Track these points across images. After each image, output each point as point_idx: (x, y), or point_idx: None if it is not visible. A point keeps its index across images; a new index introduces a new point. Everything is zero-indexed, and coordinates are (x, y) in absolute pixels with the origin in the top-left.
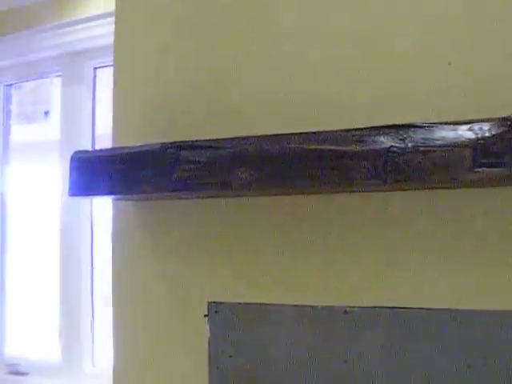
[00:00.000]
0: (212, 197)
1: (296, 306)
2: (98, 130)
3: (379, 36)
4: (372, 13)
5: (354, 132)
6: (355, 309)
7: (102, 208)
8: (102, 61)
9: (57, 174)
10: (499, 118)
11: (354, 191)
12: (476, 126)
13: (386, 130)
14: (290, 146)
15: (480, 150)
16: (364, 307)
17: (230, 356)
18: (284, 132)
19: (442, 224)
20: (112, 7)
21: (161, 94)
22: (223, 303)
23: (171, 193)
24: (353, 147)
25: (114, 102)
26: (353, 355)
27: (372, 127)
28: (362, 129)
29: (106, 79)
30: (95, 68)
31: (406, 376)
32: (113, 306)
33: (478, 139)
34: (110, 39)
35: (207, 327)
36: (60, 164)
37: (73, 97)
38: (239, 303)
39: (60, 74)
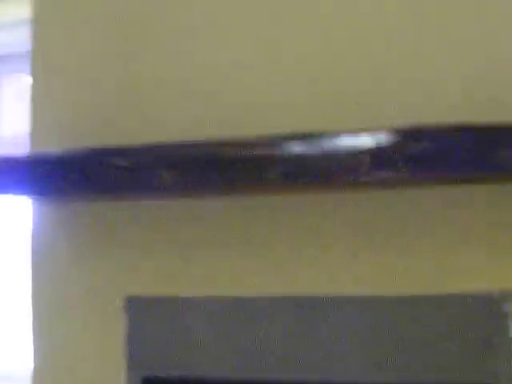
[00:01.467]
0: (133, 198)
1: (209, 297)
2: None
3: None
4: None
5: (264, 139)
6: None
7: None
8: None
9: None
10: (393, 128)
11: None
12: (373, 135)
13: (297, 137)
14: (209, 150)
15: (376, 155)
16: (272, 297)
17: (147, 346)
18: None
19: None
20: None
21: (79, 100)
22: (140, 297)
23: (96, 195)
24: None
25: (32, 107)
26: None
27: (282, 135)
28: (272, 136)
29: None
30: None
31: (313, 356)
32: (32, 305)
33: (375, 147)
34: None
35: (125, 320)
36: None
37: None
38: (155, 297)
39: None
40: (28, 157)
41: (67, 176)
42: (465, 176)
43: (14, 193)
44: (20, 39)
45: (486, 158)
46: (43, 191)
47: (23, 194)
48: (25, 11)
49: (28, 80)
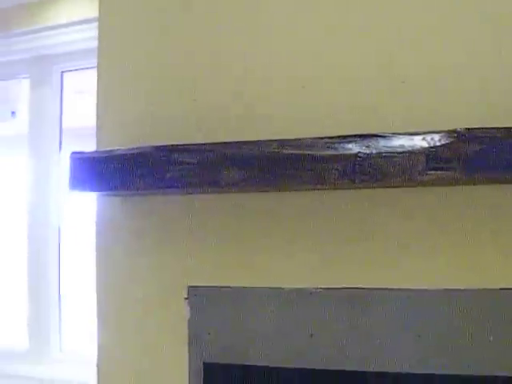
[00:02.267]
0: (199, 193)
1: (268, 288)
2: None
3: (346, 51)
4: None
5: (326, 139)
6: (319, 290)
7: (70, 202)
8: (68, 65)
9: (24, 168)
10: (448, 130)
11: (327, 189)
12: (428, 137)
13: (354, 139)
14: (271, 150)
15: (432, 156)
16: (327, 288)
17: (209, 333)
18: (262, 138)
19: (392, 216)
20: (80, 16)
21: (143, 99)
22: (202, 287)
23: (165, 190)
24: (326, 152)
25: (98, 105)
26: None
27: (341, 136)
28: (332, 137)
29: (71, 82)
30: (62, 72)
31: (363, 346)
32: (97, 294)
33: (430, 147)
34: (77, 45)
35: (188, 309)
36: (28, 159)
37: (40, 98)
38: (216, 286)
39: (28, 76)
40: (102, 153)
41: (139, 172)
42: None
43: (85, 189)
44: (83, 37)
45: None
46: (115, 187)
47: (94, 189)
48: (88, 10)
49: (90, 76)
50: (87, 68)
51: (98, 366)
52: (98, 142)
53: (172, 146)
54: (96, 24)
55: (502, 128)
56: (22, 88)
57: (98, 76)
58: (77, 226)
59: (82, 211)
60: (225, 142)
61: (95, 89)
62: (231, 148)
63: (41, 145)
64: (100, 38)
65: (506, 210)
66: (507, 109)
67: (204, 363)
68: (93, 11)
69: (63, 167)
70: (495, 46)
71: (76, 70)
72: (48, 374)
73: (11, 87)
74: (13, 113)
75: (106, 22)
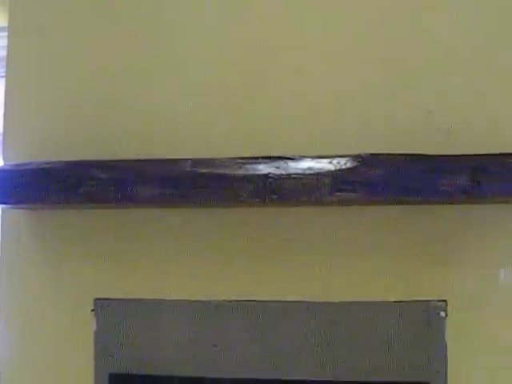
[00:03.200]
0: (108, 208)
1: (175, 300)
2: None
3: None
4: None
5: (238, 160)
6: (222, 302)
7: None
8: None
9: None
10: (353, 155)
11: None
12: (335, 160)
13: (264, 160)
14: (186, 169)
15: (338, 178)
16: (231, 301)
17: (115, 345)
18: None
19: (300, 234)
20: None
21: (53, 113)
22: (108, 299)
23: (78, 205)
24: (237, 172)
25: (5, 117)
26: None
27: (253, 157)
28: (244, 158)
29: None
30: None
31: (266, 356)
32: (1, 307)
33: (336, 170)
34: None
35: (94, 321)
36: None
37: None
38: (122, 299)
39: None
40: (15, 166)
41: (50, 186)
42: (411, 199)
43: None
44: None
45: (428, 184)
46: (27, 201)
47: (5, 202)
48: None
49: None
50: None
51: (1, 378)
52: (5, 155)
53: (87, 161)
54: (3, 33)
55: (403, 154)
56: None
57: (6, 88)
58: None
59: None
60: (140, 160)
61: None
62: (146, 166)
63: None
64: (9, 49)
65: (402, 228)
66: (410, 136)
67: (110, 374)
68: (2, 20)
69: None
70: (399, 73)
71: None
72: None
73: None
74: None
75: (16, 31)
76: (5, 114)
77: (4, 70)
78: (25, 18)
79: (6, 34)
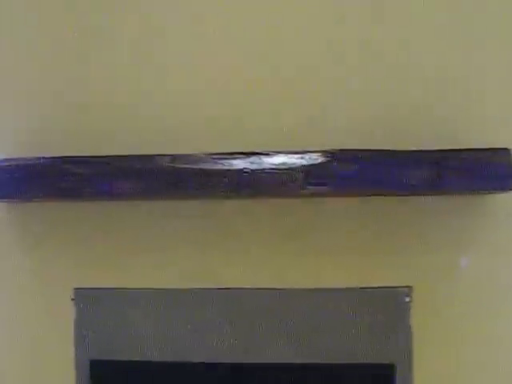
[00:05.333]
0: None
1: (147, 289)
2: None
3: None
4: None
5: (214, 155)
6: (196, 290)
7: None
8: None
9: None
10: (323, 151)
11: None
12: (307, 156)
13: (239, 155)
14: (164, 164)
15: (309, 173)
16: (204, 288)
17: (94, 332)
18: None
19: (272, 224)
20: None
21: (31, 110)
22: (87, 289)
23: (58, 199)
24: (214, 167)
25: None
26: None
27: (228, 152)
28: (220, 153)
29: None
30: None
31: (239, 340)
32: None
33: (308, 165)
34: None
35: (74, 309)
36: None
37: None
38: (101, 288)
39: None
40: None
41: (32, 181)
42: (377, 191)
43: None
44: None
45: (393, 177)
46: (8, 195)
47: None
48: None
49: None
50: None
51: None
52: None
53: (67, 157)
54: None
55: (371, 150)
56: None
57: None
58: None
59: None
60: (118, 156)
61: None
62: (125, 161)
63: None
64: None
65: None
66: (378, 133)
67: (90, 361)
68: None
69: None
70: (374, 75)
71: None
72: None
73: None
74: None
75: None
76: None
77: None
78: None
79: None
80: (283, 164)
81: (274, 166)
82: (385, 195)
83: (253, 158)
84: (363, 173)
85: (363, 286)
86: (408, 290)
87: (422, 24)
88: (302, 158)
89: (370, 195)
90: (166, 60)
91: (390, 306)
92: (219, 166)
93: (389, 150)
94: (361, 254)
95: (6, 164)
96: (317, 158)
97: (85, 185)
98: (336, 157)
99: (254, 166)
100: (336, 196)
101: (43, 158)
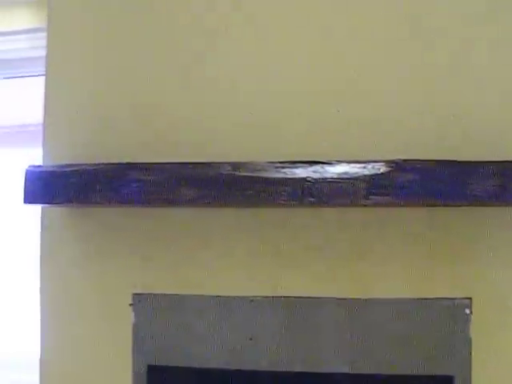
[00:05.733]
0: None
1: (206, 296)
2: None
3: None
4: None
5: (277, 164)
6: (257, 298)
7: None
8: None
9: None
10: (387, 160)
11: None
12: (370, 165)
13: (302, 164)
14: (226, 172)
15: (372, 183)
16: (265, 297)
17: (152, 337)
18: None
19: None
20: (18, 26)
21: (93, 115)
22: (146, 294)
23: (121, 205)
24: (276, 176)
25: (46, 117)
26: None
27: (291, 161)
28: (283, 162)
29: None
30: None
31: (298, 349)
32: (41, 302)
33: (371, 175)
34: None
35: (132, 315)
36: None
37: None
38: (159, 294)
39: None
40: (60, 167)
41: (98, 187)
42: (440, 202)
43: (40, 201)
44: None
45: (456, 188)
46: (71, 201)
47: (49, 202)
48: (26, 21)
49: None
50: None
51: (40, 370)
52: (45, 156)
53: (131, 163)
54: (33, 35)
55: (434, 160)
56: None
57: (46, 89)
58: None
59: (15, 217)
60: (181, 163)
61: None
62: (188, 168)
63: None
64: (48, 51)
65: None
66: (440, 143)
67: (148, 366)
68: (31, 22)
69: None
70: (433, 87)
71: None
72: None
73: None
74: None
75: (56, 31)
76: (44, 115)
77: (40, 68)
78: (64, 19)
79: (44, 34)
80: (345, 173)
81: (336, 176)
82: (447, 206)
83: (315, 167)
84: (426, 183)
85: (423, 296)
86: (468, 301)
87: (494, 37)
88: (364, 167)
89: (432, 206)
90: (232, 72)
91: (449, 318)
92: (281, 175)
93: (452, 161)
94: (420, 264)
95: (69, 169)
96: (379, 168)
97: (148, 191)
98: (399, 167)
99: (316, 175)
100: (398, 206)
101: (106, 163)
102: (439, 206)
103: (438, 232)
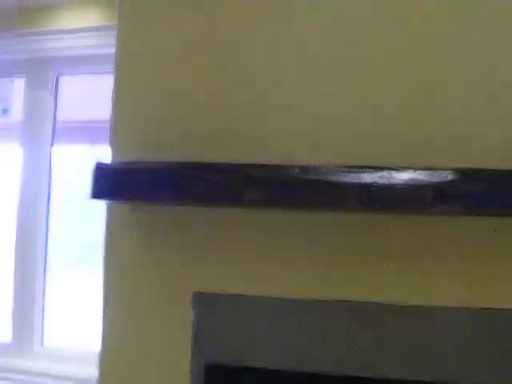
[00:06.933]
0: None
1: (267, 296)
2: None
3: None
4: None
5: (344, 168)
6: (319, 301)
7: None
8: (65, 69)
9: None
10: (454, 168)
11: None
12: (437, 173)
13: (369, 169)
14: (294, 175)
15: (439, 191)
16: (327, 300)
17: (211, 336)
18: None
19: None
20: (80, 23)
21: (160, 113)
22: (206, 293)
23: (188, 204)
24: (343, 180)
25: (114, 114)
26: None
27: (358, 166)
28: (350, 166)
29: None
30: (58, 75)
31: (356, 355)
32: (104, 296)
33: (438, 182)
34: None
35: (192, 313)
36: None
37: (35, 98)
38: (220, 293)
39: (23, 76)
40: (129, 164)
41: (165, 185)
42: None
43: (108, 197)
44: (81, 44)
45: None
46: (139, 198)
47: (117, 199)
48: (88, 19)
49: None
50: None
51: (100, 365)
52: (113, 153)
53: (197, 163)
54: (95, 32)
55: (503, 170)
56: (15, 87)
57: (116, 86)
58: (65, 222)
59: (71, 208)
60: (250, 164)
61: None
62: (256, 170)
63: (33, 140)
64: (118, 49)
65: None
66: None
67: (205, 364)
68: (93, 20)
69: (55, 162)
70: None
71: (72, 75)
72: (29, 367)
73: (3, 86)
74: (4, 110)
75: (126, 29)
76: (113, 112)
77: (108, 66)
78: (134, 17)
79: (113, 32)
80: (412, 180)
81: (402, 182)
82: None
83: (382, 173)
84: (494, 193)
85: (486, 306)
86: None
87: None
88: (431, 174)
89: (500, 216)
90: (300, 73)
91: None
92: (348, 179)
93: None
94: (484, 273)
95: (136, 166)
96: (447, 176)
97: (215, 191)
98: (467, 175)
99: (382, 181)
100: (465, 215)
101: (172, 162)
102: (508, 216)
103: (504, 241)
